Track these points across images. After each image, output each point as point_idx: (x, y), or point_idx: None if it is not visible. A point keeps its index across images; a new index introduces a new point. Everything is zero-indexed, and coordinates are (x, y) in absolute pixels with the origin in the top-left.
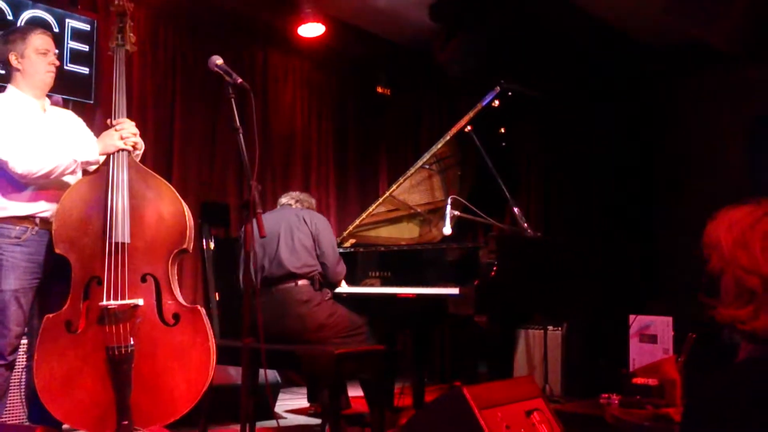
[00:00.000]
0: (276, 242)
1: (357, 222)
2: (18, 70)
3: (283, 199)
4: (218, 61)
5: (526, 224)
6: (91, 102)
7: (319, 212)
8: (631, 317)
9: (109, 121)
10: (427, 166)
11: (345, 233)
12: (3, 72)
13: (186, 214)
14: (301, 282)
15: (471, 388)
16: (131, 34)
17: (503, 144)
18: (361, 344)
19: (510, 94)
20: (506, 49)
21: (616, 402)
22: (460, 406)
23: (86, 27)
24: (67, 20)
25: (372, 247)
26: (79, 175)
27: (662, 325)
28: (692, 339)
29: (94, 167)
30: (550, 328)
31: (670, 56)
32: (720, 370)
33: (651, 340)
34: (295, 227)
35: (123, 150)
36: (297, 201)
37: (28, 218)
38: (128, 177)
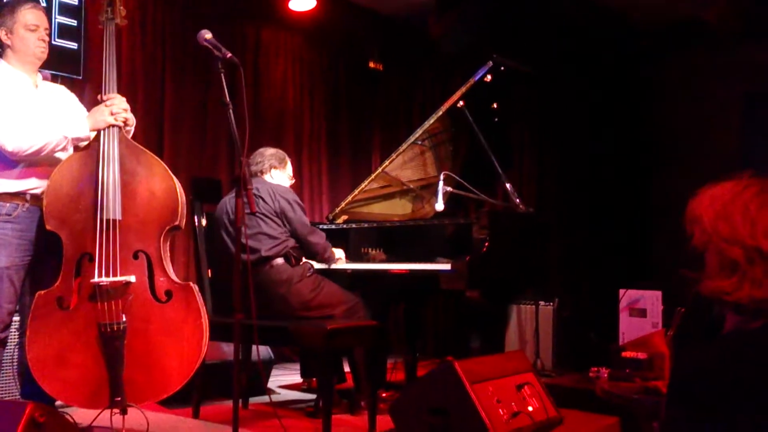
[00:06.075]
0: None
1: (349, 198)
2: (8, 45)
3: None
4: (207, 35)
5: (518, 200)
6: (80, 77)
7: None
8: (621, 291)
9: (99, 96)
10: (420, 142)
11: (337, 209)
12: None
13: (178, 190)
14: (275, 262)
15: (462, 363)
16: (121, 8)
17: (495, 119)
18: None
19: (502, 68)
20: (500, 24)
21: (606, 375)
22: (451, 380)
23: (74, 1)
24: None
25: (364, 223)
26: (71, 151)
27: (651, 299)
28: (681, 313)
29: (85, 143)
30: (542, 303)
31: (664, 34)
32: (706, 341)
33: (640, 314)
34: (258, 212)
35: (114, 126)
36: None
37: (19, 195)
38: (119, 153)
